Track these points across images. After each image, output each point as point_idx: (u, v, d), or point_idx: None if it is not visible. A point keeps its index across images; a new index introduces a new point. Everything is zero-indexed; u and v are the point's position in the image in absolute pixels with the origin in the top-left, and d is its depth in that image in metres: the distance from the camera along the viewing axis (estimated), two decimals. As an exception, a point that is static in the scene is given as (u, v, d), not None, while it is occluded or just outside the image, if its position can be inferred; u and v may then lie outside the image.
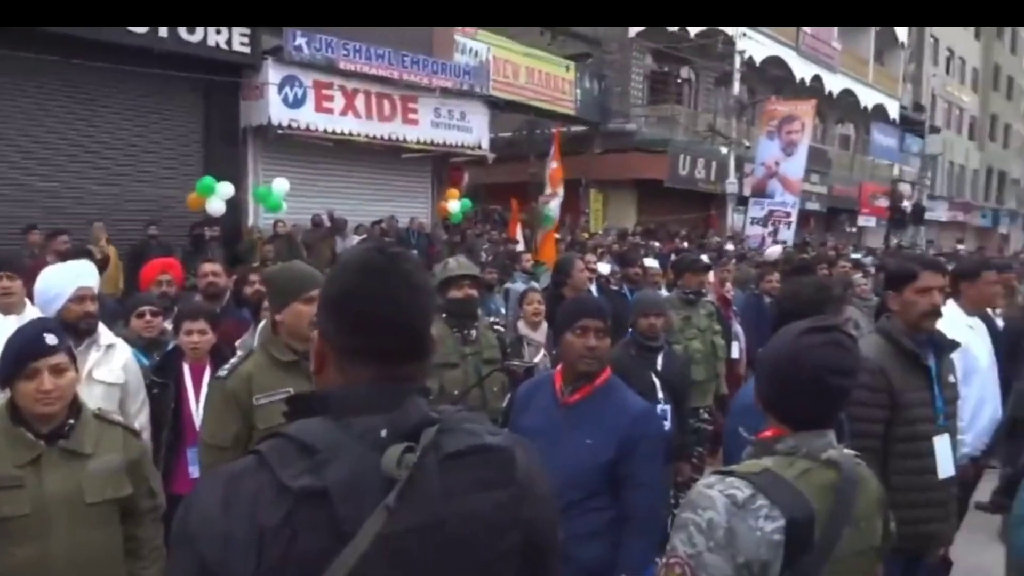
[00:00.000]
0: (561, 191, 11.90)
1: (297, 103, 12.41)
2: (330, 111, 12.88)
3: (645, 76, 20.61)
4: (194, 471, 3.30)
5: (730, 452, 2.45)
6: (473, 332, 3.65)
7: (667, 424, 3.98)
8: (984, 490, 4.78)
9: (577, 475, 2.51)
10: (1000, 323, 5.27)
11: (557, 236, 12.16)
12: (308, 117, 12.57)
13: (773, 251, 12.42)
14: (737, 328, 6.10)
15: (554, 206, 11.59)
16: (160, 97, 11.57)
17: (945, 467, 2.97)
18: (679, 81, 21.59)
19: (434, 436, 1.05)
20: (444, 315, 3.64)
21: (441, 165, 15.50)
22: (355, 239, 11.69)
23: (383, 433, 1.04)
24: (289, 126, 12.32)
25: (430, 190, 15.50)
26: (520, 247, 11.36)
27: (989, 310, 4.83)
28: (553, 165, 11.37)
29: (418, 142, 14.22)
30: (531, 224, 12.57)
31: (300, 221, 11.91)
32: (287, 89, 12.24)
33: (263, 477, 1.01)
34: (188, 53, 11.01)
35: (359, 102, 13.27)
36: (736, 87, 20.65)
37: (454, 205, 14.29)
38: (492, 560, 1.06)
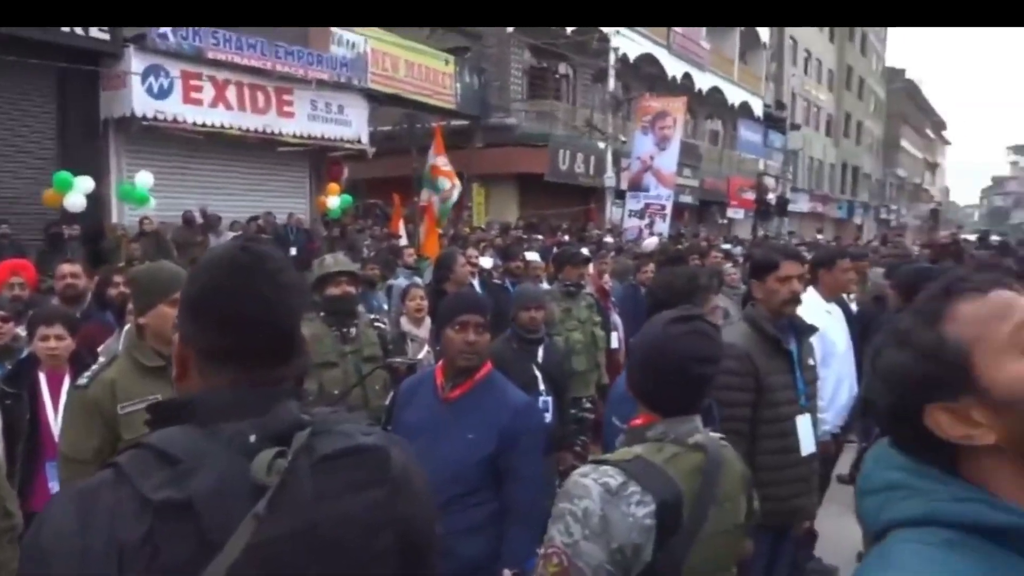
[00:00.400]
0: (459, 184, 11.83)
1: (163, 94, 11.80)
2: (199, 102, 12.32)
3: (524, 71, 20.83)
4: (54, 487, 3.10)
5: (608, 441, 2.52)
6: (352, 330, 3.60)
7: (549, 415, 4.04)
8: (844, 464, 5.12)
9: (459, 470, 2.52)
10: (854, 308, 5.66)
11: (440, 231, 12.11)
12: (175, 108, 11.98)
13: (650, 243, 12.83)
14: (616, 319, 6.27)
15: (455, 197, 11.51)
16: (10, 85, 10.75)
17: (807, 445, 3.16)
18: (557, 77, 21.93)
19: (306, 439, 1.02)
20: (322, 313, 3.57)
21: (319, 159, 15.14)
22: (230, 236, 11.25)
23: (252, 438, 1.00)
24: (155, 118, 11.70)
25: (308, 185, 15.11)
26: (403, 242, 11.26)
27: (844, 296, 5.16)
28: (441, 160, 11.28)
29: (295, 135, 13.82)
30: (414, 219, 12.47)
31: (170, 218, 11.36)
32: (151, 79, 11.62)
33: (122, 490, 0.95)
34: (42, 39, 10.26)
35: (230, 93, 12.76)
36: (611, 83, 21.19)
37: (334, 200, 13.99)
38: (368, 561, 1.05)
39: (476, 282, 6.51)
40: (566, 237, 14.54)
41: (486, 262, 7.78)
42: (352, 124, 14.96)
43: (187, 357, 1.09)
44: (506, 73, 20.04)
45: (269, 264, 1.09)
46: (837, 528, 4.25)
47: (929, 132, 68.77)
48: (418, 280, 6.68)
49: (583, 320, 5.41)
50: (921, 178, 66.41)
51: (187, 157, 12.75)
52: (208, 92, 12.44)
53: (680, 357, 1.68)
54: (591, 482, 1.58)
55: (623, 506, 1.56)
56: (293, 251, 11.50)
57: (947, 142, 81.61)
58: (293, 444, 1.00)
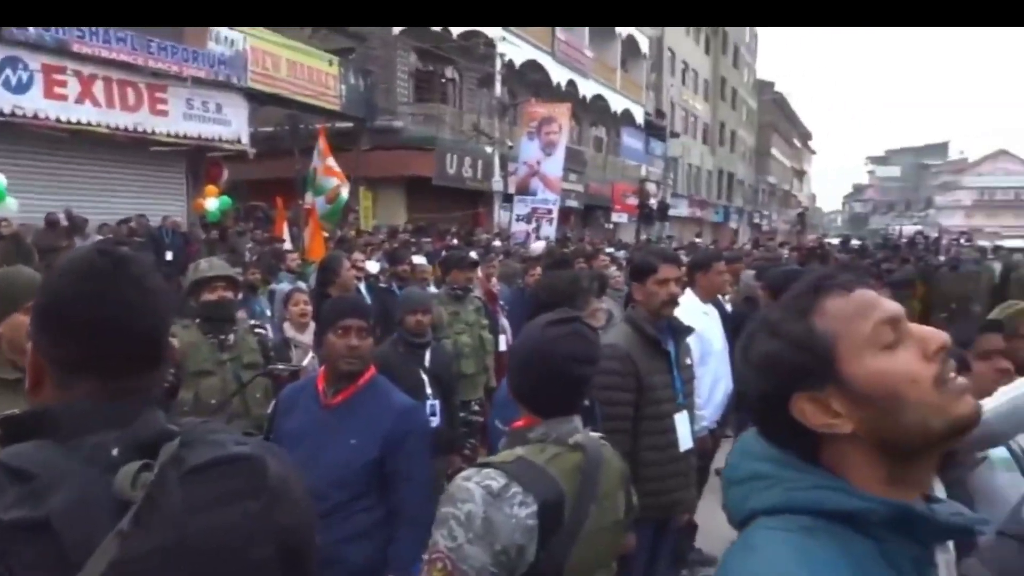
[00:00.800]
0: (347, 183, 11.53)
1: (22, 88, 11.05)
2: (63, 98, 11.60)
3: (410, 74, 20.71)
4: None
5: (493, 443, 2.54)
6: (231, 337, 3.47)
7: (436, 419, 4.04)
8: (722, 458, 5.32)
9: (343, 476, 2.48)
10: (729, 308, 5.92)
11: (327, 234, 11.84)
12: (36, 104, 11.24)
13: (537, 247, 13.00)
14: (504, 322, 6.32)
15: (344, 195, 11.18)
16: None
17: (685, 441, 3.29)
18: (444, 81, 21.93)
19: (175, 450, 0.97)
20: (197, 320, 3.43)
21: (197, 160, 14.53)
22: (98, 239, 10.63)
23: (114, 452, 0.95)
24: (12, 113, 10.94)
25: (185, 186, 14.48)
26: (287, 246, 10.94)
27: (720, 297, 5.40)
28: (330, 161, 11.00)
29: (169, 135, 13.22)
30: (298, 222, 12.14)
31: (32, 220, 10.62)
32: (9, 71, 10.86)
33: None
34: None
35: (98, 89, 12.07)
36: (498, 88, 21.37)
37: (212, 202, 13.44)
38: (246, 573, 1.01)
39: (362, 286, 6.42)
40: (454, 241, 14.54)
41: (373, 266, 7.67)
42: (231, 124, 14.45)
43: (41, 367, 1.03)
44: (392, 75, 19.86)
45: (132, 268, 1.04)
46: (716, 519, 4.39)
47: (796, 142, 72.91)
48: (302, 285, 6.51)
49: (471, 323, 5.42)
50: (790, 185, 70.32)
51: (49, 156, 11.99)
52: (73, 87, 11.72)
53: (559, 359, 1.71)
54: (474, 485, 1.59)
55: (506, 508, 1.57)
56: (169, 255, 10.99)
57: (812, 151, 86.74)
58: (160, 456, 0.96)
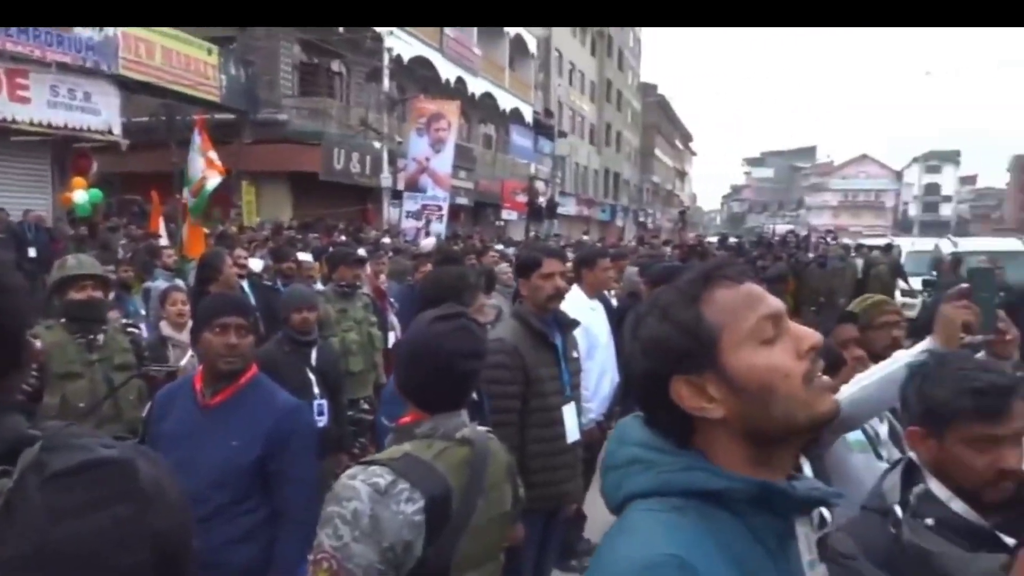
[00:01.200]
0: (215, 175, 11.02)
1: None
2: (-93, 81, 10.68)
3: (294, 66, 20.16)
4: None
5: (381, 441, 2.52)
6: (100, 337, 3.29)
7: (324, 419, 3.96)
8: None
9: (223, 478, 2.40)
10: (615, 303, 6.09)
11: (206, 231, 11.36)
12: None
13: (427, 243, 12.94)
14: (393, 319, 6.27)
15: (209, 188, 10.68)
16: None
17: (572, 432, 3.36)
18: (330, 74, 21.46)
19: (35, 456, 0.92)
20: (63, 320, 3.23)
21: (63, 151, 13.65)
22: (-51, 235, 9.84)
23: None
24: None
25: (50, 179, 13.59)
26: (163, 242, 10.43)
27: (606, 292, 5.54)
28: (210, 154, 10.52)
29: (31, 123, 12.35)
30: (175, 217, 11.59)
31: None
32: None
33: None
34: None
35: (-52, 73, 11.18)
36: (386, 83, 21.09)
37: (81, 196, 12.64)
38: None
39: (245, 284, 6.21)
40: (342, 237, 14.27)
41: (256, 264, 7.44)
42: (101, 113, 13.65)
43: None
44: (275, 67, 19.27)
45: None
46: (605, 510, 4.52)
47: (678, 143, 75.55)
48: (179, 283, 6.24)
49: (359, 321, 5.35)
50: (673, 185, 72.83)
51: None
52: (-81, 70, 10.81)
53: (446, 354, 1.71)
54: (359, 483, 1.58)
55: (393, 505, 1.57)
56: (32, 251, 10.29)
57: (694, 153, 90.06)
58: (20, 462, 0.90)
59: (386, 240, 14.42)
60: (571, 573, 4.44)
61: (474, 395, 2.40)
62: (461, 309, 1.84)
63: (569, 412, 3.34)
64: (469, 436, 1.75)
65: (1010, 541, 1.41)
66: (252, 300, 5.56)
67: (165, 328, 4.76)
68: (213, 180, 9.85)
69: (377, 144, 20.75)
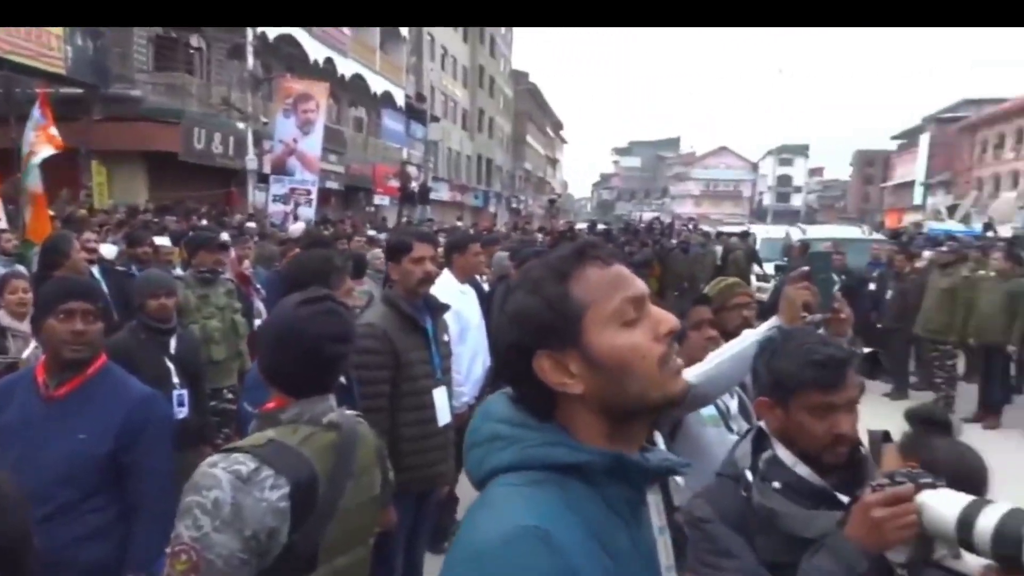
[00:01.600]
0: (44, 151, 10.16)
1: None
2: None
3: (149, 39, 19.01)
4: None
5: (245, 428, 2.45)
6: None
7: (184, 409, 3.80)
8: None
9: (70, 473, 2.26)
10: (486, 287, 6.16)
11: (52, 212, 10.55)
12: None
13: (296, 228, 12.59)
14: (259, 305, 6.08)
15: (35, 162, 9.83)
16: None
17: (443, 415, 3.38)
18: (189, 49, 20.36)
19: None
20: None
21: None
22: None
23: None
24: None
25: None
26: (2, 225, 9.61)
27: (478, 277, 5.58)
28: (51, 131, 9.71)
29: None
30: (15, 198, 10.68)
31: None
32: None
33: None
34: None
35: None
36: (250, 61, 20.26)
37: (-97, 175, 11.47)
38: None
39: (96, 270, 5.85)
40: (203, 221, 13.64)
41: (108, 249, 7.01)
42: (-73, 83, 12.41)
43: None
44: (128, 40, 18.10)
45: None
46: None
47: (550, 131, 76.77)
48: (20, 268, 5.78)
49: (221, 307, 5.16)
50: (545, 172, 74.00)
51: None
52: None
53: (311, 337, 1.68)
54: (220, 471, 1.53)
55: (256, 492, 1.53)
56: None
57: (565, 141, 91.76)
58: None
59: (251, 225, 13.91)
60: (443, 556, 4.45)
61: (343, 380, 2.37)
62: (327, 292, 1.80)
63: (440, 395, 3.36)
64: (336, 421, 1.73)
65: (844, 499, 1.54)
66: (104, 287, 5.26)
67: (4, 318, 4.42)
68: (43, 152, 9.10)
69: (241, 125, 19.90)
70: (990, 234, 17.84)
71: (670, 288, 13.24)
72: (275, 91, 21.07)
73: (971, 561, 1.38)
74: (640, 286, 1.05)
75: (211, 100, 20.16)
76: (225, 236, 7.24)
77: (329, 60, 25.12)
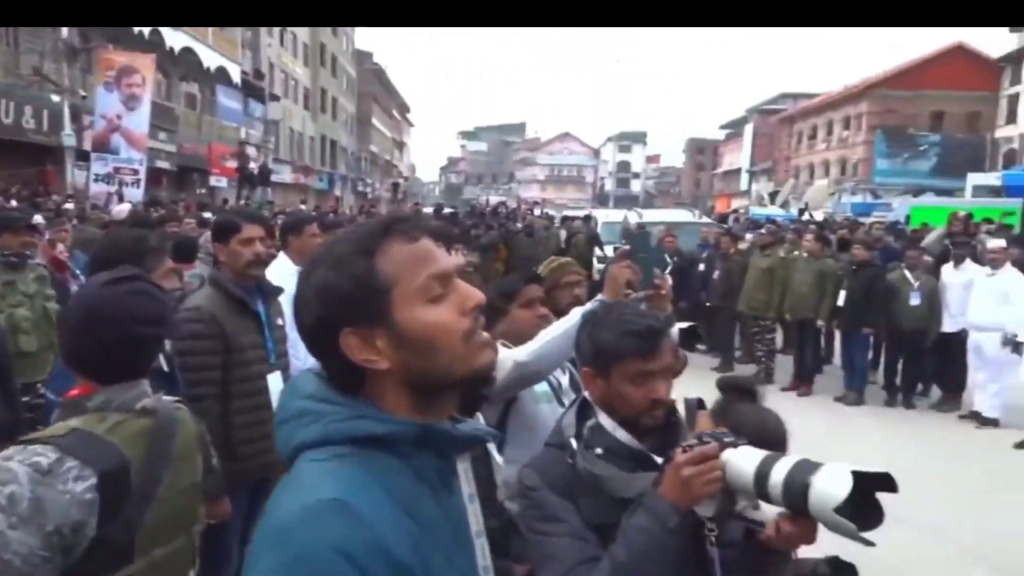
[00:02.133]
0: None
1: None
2: None
3: (-56, 0, 17.08)
4: None
5: (50, 419, 2.28)
6: None
7: (-12, 406, 3.49)
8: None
9: None
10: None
11: None
12: None
13: (121, 210, 11.77)
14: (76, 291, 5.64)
15: None
16: None
17: (278, 401, 3.29)
18: (-7, 13, 18.46)
19: None
20: None
21: None
22: None
23: None
24: None
25: None
26: None
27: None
28: None
29: None
30: None
31: None
32: None
33: None
34: None
35: None
36: (65, 30, 18.64)
37: None
38: None
39: None
40: (13, 203, 12.46)
41: None
42: None
43: None
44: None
45: None
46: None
47: (396, 113, 75.80)
48: None
49: (31, 295, 4.75)
50: (391, 155, 73.05)
51: None
52: None
53: (121, 319, 1.58)
54: (17, 464, 1.42)
55: (59, 484, 1.44)
56: None
57: (411, 124, 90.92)
58: None
59: (69, 206, 12.87)
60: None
61: (164, 366, 2.26)
62: (137, 271, 1.70)
63: (275, 380, 3.27)
64: (151, 407, 1.64)
65: (659, 460, 1.64)
66: None
67: None
68: None
69: (56, 98, 18.29)
70: (805, 218, 19.43)
71: (516, 270, 13.49)
72: (95, 63, 19.48)
73: (768, 511, 1.51)
74: (445, 262, 1.06)
75: (20, 70, 18.37)
76: (38, 218, 6.67)
77: (156, 31, 23.49)
